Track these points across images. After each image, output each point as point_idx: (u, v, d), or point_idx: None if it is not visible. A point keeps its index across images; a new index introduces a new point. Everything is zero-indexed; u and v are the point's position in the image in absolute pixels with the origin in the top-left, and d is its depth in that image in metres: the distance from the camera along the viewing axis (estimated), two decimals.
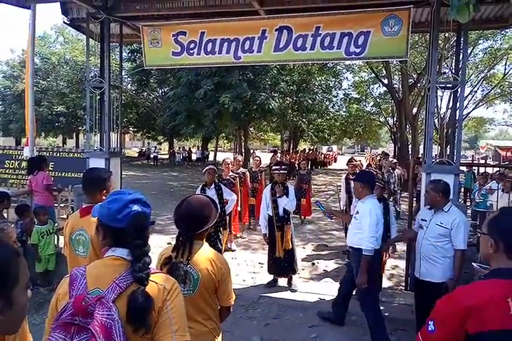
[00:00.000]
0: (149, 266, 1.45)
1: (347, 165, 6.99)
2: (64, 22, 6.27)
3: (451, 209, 3.58)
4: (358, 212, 3.85)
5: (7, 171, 8.85)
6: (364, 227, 3.67)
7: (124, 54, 24.98)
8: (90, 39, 5.86)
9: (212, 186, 5.47)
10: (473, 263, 2.63)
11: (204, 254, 2.18)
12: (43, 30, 43.32)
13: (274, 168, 5.33)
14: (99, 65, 5.91)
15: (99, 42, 5.91)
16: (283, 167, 5.33)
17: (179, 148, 36.08)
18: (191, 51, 5.62)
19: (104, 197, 2.59)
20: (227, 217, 6.42)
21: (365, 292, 3.74)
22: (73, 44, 31.29)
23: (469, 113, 23.25)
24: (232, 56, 5.46)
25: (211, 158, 31.70)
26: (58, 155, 8.99)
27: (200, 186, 5.54)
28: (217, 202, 5.35)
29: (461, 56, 4.70)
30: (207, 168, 5.57)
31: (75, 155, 8.81)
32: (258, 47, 5.34)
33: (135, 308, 1.33)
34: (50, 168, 7.41)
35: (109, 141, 5.71)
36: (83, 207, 2.60)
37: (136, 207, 1.50)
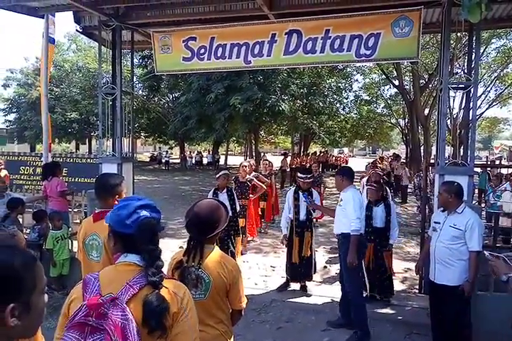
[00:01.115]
0: (162, 270, 1.46)
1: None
2: (77, 30, 6.38)
3: (465, 210, 3.52)
4: (342, 200, 4.19)
5: (22, 177, 9.00)
6: (349, 211, 4.01)
7: (136, 60, 25.30)
8: (102, 46, 5.94)
9: (225, 190, 5.50)
10: (484, 251, 2.58)
11: (215, 258, 2.19)
12: (56, 38, 43.93)
13: (299, 175, 5.19)
14: (111, 71, 5.98)
15: (111, 49, 5.99)
16: (309, 176, 5.21)
17: (190, 152, 36.23)
18: (201, 56, 5.66)
19: (116, 202, 2.62)
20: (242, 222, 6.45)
21: (352, 271, 4.01)
22: (85, 51, 31.76)
23: (483, 113, 22.99)
24: (242, 60, 5.48)
25: (222, 162, 31.77)
26: (72, 160, 9.14)
27: (212, 190, 5.58)
28: (228, 207, 5.40)
29: (473, 56, 4.64)
30: (221, 173, 5.59)
31: (88, 160, 8.94)
32: (268, 51, 5.35)
33: (151, 311, 1.34)
34: (63, 174, 7.51)
35: (121, 147, 5.77)
36: (96, 211, 2.63)
37: (144, 213, 1.51)
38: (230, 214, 5.22)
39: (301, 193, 5.13)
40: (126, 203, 1.57)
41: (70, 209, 5.95)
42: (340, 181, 4.23)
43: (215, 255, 2.20)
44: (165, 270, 1.79)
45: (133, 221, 1.49)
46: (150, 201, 1.60)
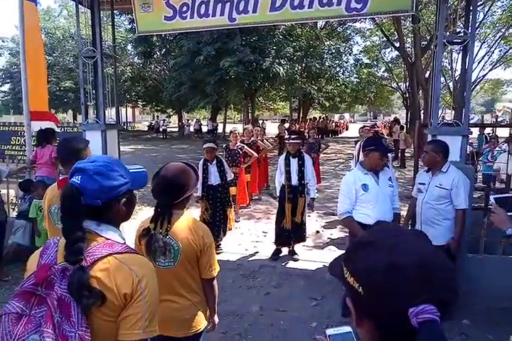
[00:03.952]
0: (77, 246, 1.21)
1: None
2: None
3: (450, 169, 3.46)
4: (390, 178, 3.57)
5: (14, 148, 8.85)
6: (396, 190, 3.62)
7: (126, 23, 24.46)
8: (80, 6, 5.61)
9: (214, 162, 5.26)
10: (490, 197, 2.38)
11: (184, 224, 2.08)
12: (46, 4, 42.54)
13: (285, 137, 5.14)
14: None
15: (89, 8, 5.67)
16: (293, 136, 5.09)
17: (188, 120, 35.73)
18: (184, 15, 5.34)
19: None
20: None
21: None
22: None
23: (486, 74, 22.33)
24: (227, 18, 5.17)
25: (221, 130, 31.38)
26: (62, 130, 8.95)
27: (202, 161, 5.32)
28: (219, 178, 5.24)
29: (471, 6, 4.33)
30: (205, 146, 5.27)
31: (79, 129, 8.73)
32: (253, 8, 5.03)
33: (69, 285, 1.17)
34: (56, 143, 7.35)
35: (104, 113, 5.58)
36: (60, 178, 2.50)
37: (73, 179, 1.28)
38: (219, 181, 5.12)
39: (291, 158, 4.99)
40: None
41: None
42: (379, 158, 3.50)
43: (184, 221, 2.09)
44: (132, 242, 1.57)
45: None
46: (91, 166, 1.30)
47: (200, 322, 2.15)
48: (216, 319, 2.26)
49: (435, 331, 0.67)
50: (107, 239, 1.29)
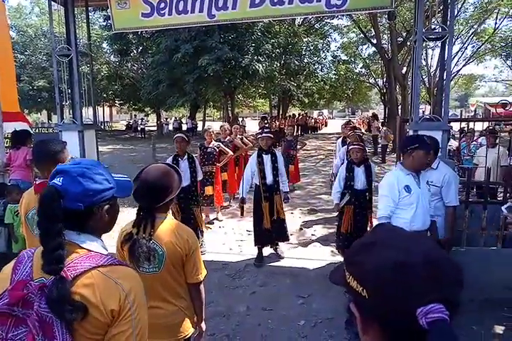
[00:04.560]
0: (62, 255, 1.11)
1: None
2: None
3: (440, 165, 3.45)
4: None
5: None
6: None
7: (101, 21, 23.98)
8: (53, 3, 5.43)
9: (185, 157, 5.05)
10: (502, 208, 2.36)
11: (168, 228, 2.01)
12: (16, 1, 41.38)
13: (257, 132, 5.03)
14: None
15: (63, 5, 5.49)
16: (265, 130, 4.98)
17: (167, 119, 35.33)
18: (162, 11, 5.23)
19: None
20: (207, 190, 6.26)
21: None
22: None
23: (459, 70, 22.82)
24: (206, 15, 5.08)
25: (200, 128, 31.14)
26: (37, 131, 8.73)
27: (172, 156, 5.07)
28: (189, 174, 5.03)
29: (448, 3, 4.37)
30: (175, 136, 5.12)
31: (54, 130, 8.52)
32: (233, 4, 4.96)
33: (48, 299, 1.07)
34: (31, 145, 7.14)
35: (81, 113, 5.43)
36: (37, 183, 2.38)
37: (55, 181, 1.19)
38: (189, 182, 4.97)
39: (264, 155, 4.86)
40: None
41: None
42: (424, 156, 3.25)
43: (167, 224, 2.02)
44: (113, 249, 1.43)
45: None
46: (76, 167, 1.22)
47: (188, 327, 2.09)
48: (203, 325, 2.18)
49: (446, 330, 0.66)
50: (89, 250, 1.19)
